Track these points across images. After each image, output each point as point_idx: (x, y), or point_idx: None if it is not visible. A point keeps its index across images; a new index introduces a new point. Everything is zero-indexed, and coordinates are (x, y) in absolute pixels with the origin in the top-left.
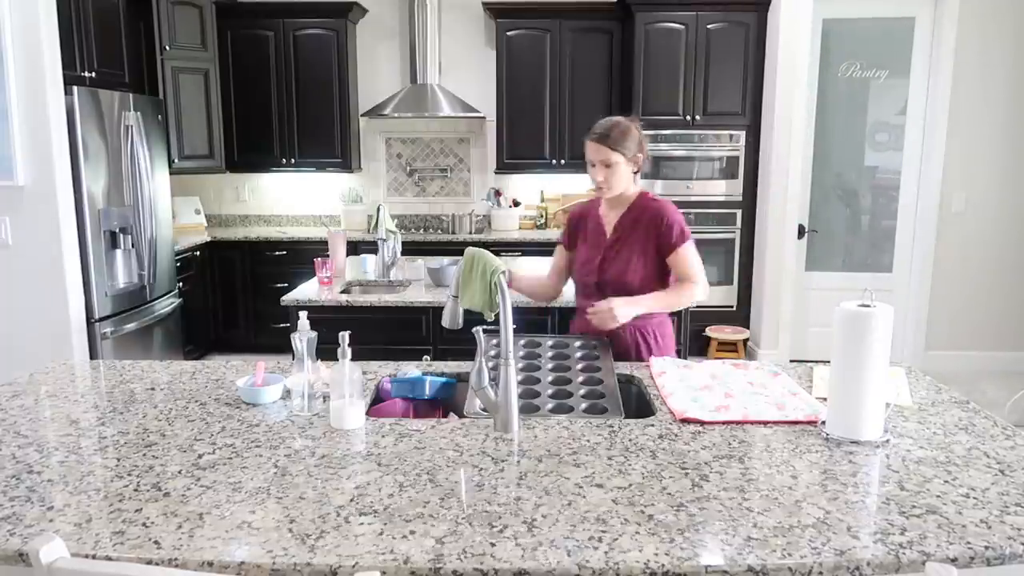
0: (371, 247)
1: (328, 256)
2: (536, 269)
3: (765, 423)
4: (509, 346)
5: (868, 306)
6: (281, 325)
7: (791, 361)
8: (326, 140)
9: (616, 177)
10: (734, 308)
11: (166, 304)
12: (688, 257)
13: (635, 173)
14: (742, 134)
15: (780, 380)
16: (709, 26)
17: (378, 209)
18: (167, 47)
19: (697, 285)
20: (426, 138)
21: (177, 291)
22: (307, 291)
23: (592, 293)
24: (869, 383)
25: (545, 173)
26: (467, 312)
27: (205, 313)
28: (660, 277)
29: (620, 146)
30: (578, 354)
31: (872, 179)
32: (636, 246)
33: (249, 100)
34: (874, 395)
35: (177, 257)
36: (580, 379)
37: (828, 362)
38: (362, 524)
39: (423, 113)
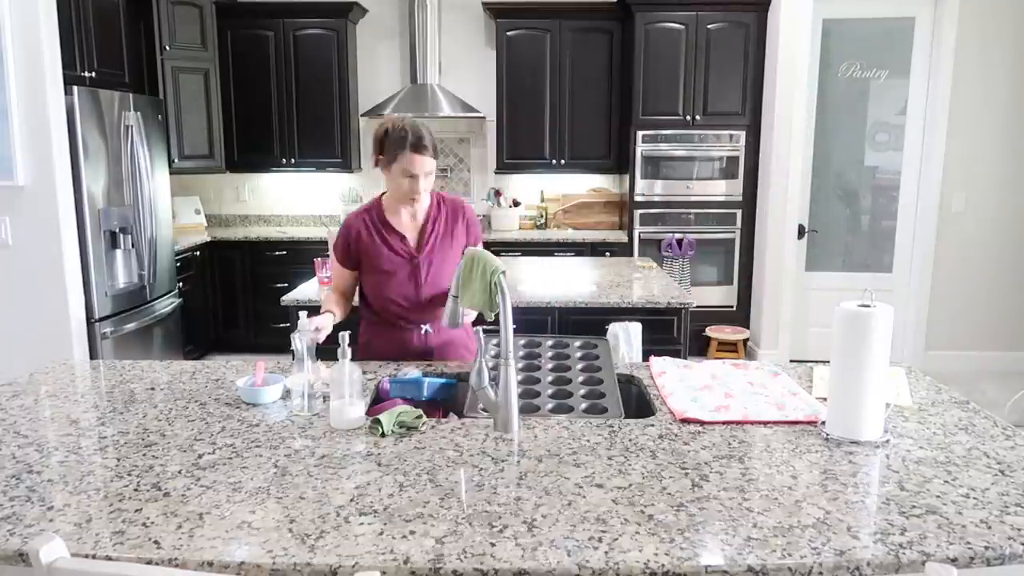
0: None
1: (328, 256)
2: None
3: (765, 423)
4: (509, 346)
5: (868, 306)
6: (281, 325)
7: (791, 361)
8: (326, 140)
9: (430, 184)
10: (734, 308)
11: (166, 304)
12: None
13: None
14: (742, 134)
15: (780, 380)
16: (709, 26)
17: None
18: (167, 47)
19: None
20: None
21: (177, 291)
22: (307, 291)
23: (414, 306)
24: (869, 383)
25: (545, 173)
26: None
27: (205, 313)
28: None
29: (437, 153)
30: (578, 354)
31: (872, 179)
32: (453, 244)
33: (249, 100)
34: (874, 395)
35: (177, 257)
36: (580, 379)
37: (828, 362)
38: (362, 524)
39: (423, 113)
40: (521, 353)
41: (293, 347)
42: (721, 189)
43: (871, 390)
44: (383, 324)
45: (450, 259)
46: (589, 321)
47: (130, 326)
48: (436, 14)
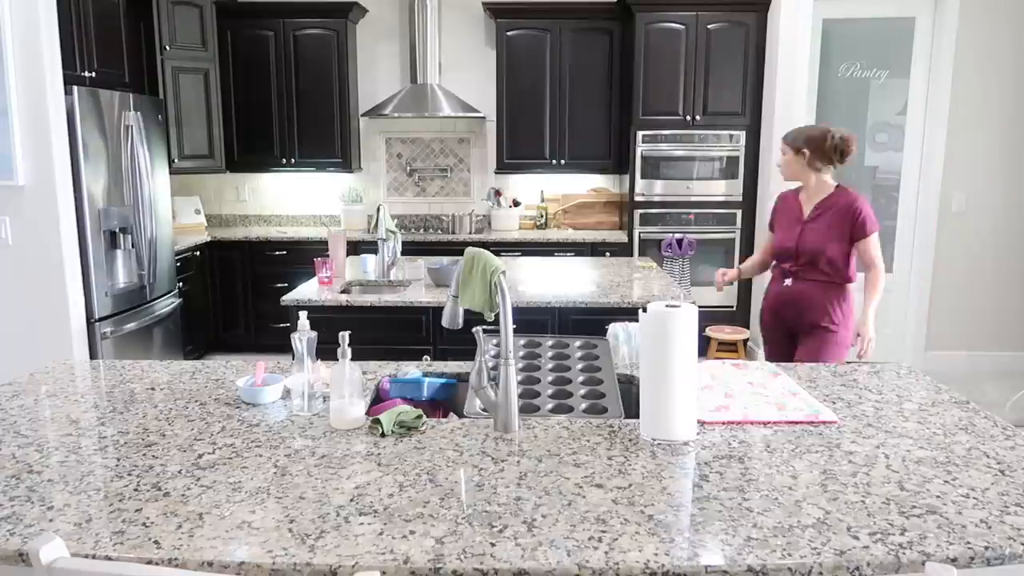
0: (371, 247)
1: (328, 256)
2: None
3: (765, 423)
4: (509, 346)
5: (676, 306)
6: (281, 325)
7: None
8: (326, 140)
9: (790, 168)
10: (734, 308)
11: (166, 304)
12: (874, 250)
13: (820, 168)
14: (742, 134)
15: (780, 380)
16: (709, 26)
17: (378, 209)
18: (167, 47)
19: (881, 271)
20: (426, 138)
21: (177, 291)
22: (307, 291)
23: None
24: (676, 383)
25: (545, 173)
26: (467, 312)
27: (205, 313)
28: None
29: (789, 141)
30: (578, 354)
31: (872, 179)
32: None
33: (249, 100)
34: (682, 394)
35: (177, 257)
36: (580, 379)
37: (828, 362)
38: (362, 524)
39: (423, 113)
40: (521, 353)
41: (293, 347)
42: (721, 189)
43: (678, 389)
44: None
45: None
46: (589, 321)
47: (130, 326)
48: (436, 14)
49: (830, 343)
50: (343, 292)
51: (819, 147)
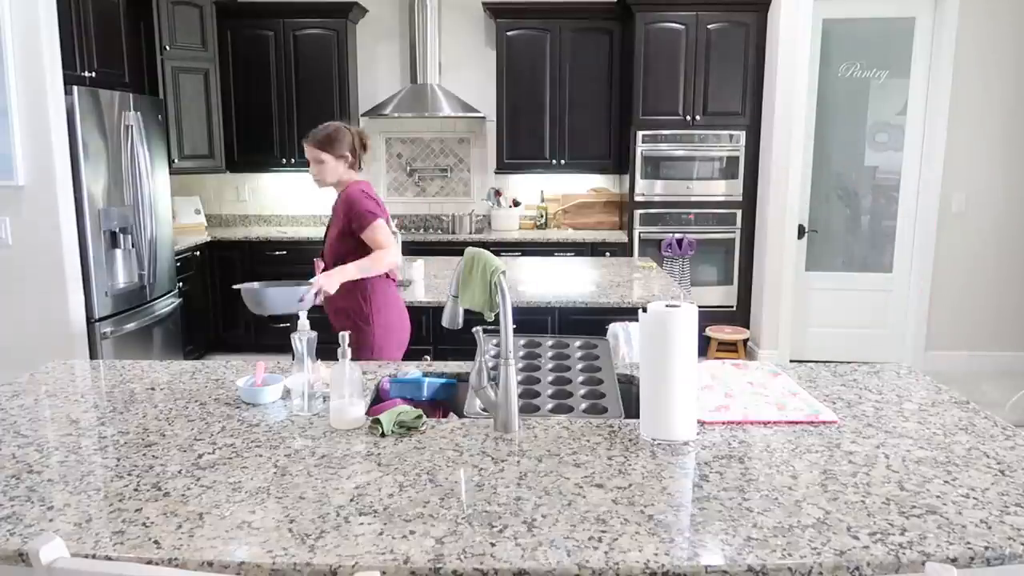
0: None
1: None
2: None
3: (765, 423)
4: (509, 346)
5: (676, 306)
6: (281, 325)
7: (791, 361)
8: None
9: (318, 169)
10: (734, 308)
11: (166, 304)
12: (378, 234)
13: (343, 165)
14: (742, 134)
15: (780, 380)
16: (709, 26)
17: None
18: (167, 47)
19: (388, 252)
20: (426, 138)
21: (177, 291)
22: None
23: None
24: (676, 382)
25: (545, 173)
26: (467, 312)
27: (205, 313)
28: (358, 251)
29: (328, 147)
30: (578, 354)
31: (872, 179)
32: (336, 227)
33: (249, 100)
34: (682, 394)
35: (177, 257)
36: (580, 379)
37: (828, 363)
38: (362, 524)
39: (423, 113)
40: (521, 353)
41: (293, 347)
42: (721, 189)
43: (678, 389)
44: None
45: (331, 238)
46: (589, 321)
47: (130, 326)
48: (436, 14)
49: (363, 344)
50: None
51: (353, 146)
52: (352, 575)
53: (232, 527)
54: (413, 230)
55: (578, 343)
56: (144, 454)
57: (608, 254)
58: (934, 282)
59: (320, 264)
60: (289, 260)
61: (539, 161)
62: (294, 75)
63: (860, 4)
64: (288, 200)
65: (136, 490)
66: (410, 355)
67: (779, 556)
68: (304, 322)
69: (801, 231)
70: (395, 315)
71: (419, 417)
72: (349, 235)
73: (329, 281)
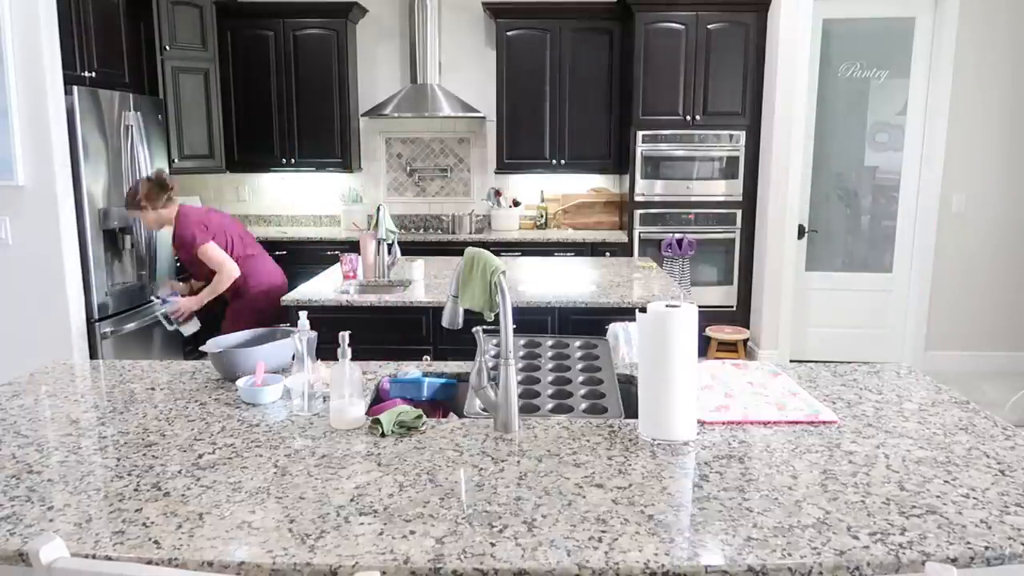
0: None
1: (349, 252)
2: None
3: (765, 423)
4: (509, 346)
5: (676, 306)
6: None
7: (791, 361)
8: (326, 140)
9: (149, 221)
10: (734, 308)
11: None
12: (208, 254)
13: (163, 208)
14: (742, 134)
15: (780, 380)
16: (709, 26)
17: (378, 209)
18: (167, 47)
19: (222, 271)
20: (426, 138)
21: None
22: (307, 291)
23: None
24: (675, 382)
25: (545, 173)
26: (467, 312)
27: (205, 313)
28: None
29: (138, 206)
30: (578, 354)
31: (872, 179)
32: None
33: (249, 100)
34: (681, 394)
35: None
36: (580, 379)
37: (828, 363)
38: (362, 524)
39: (423, 113)
40: (521, 353)
41: (293, 347)
42: (721, 189)
43: (678, 389)
44: None
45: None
46: (589, 321)
47: (130, 326)
48: (436, 14)
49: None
50: (343, 292)
51: (154, 195)
52: (352, 575)
53: (232, 527)
54: (413, 230)
55: (578, 343)
56: (144, 454)
57: (608, 254)
58: (934, 282)
59: (177, 285)
60: (289, 260)
61: (539, 161)
62: (294, 75)
63: (860, 4)
64: (288, 200)
65: (136, 490)
66: (409, 355)
67: (779, 556)
68: (304, 322)
69: (801, 231)
70: (264, 278)
71: (419, 417)
72: (196, 259)
73: (188, 308)
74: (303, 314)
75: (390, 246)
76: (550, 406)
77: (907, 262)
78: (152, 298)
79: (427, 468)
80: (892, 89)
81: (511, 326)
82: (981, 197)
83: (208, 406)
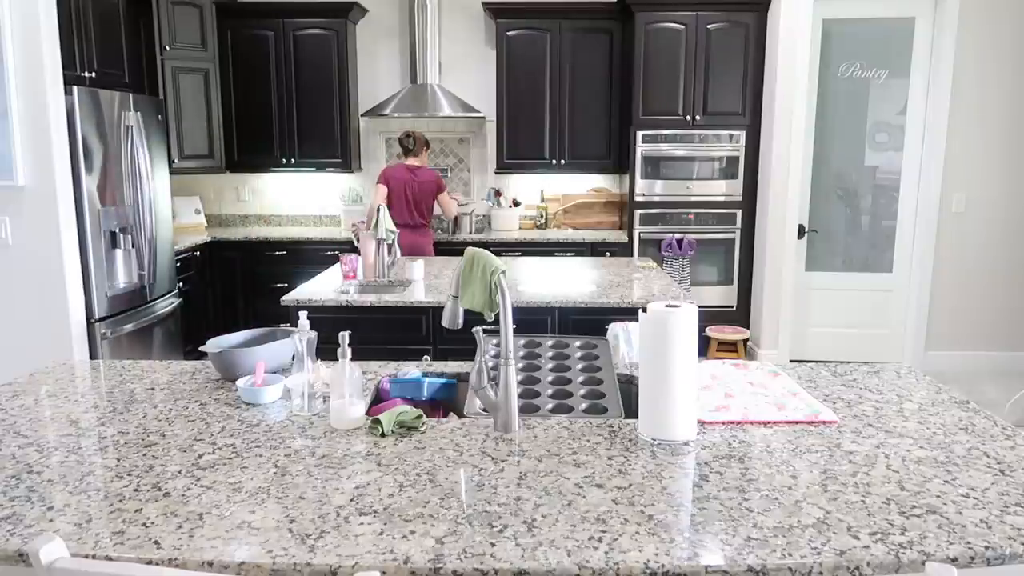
0: None
1: (349, 253)
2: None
3: (765, 423)
4: (509, 346)
5: (676, 306)
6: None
7: (791, 361)
8: (326, 140)
9: (413, 164)
10: (734, 308)
11: (166, 304)
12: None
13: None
14: (742, 134)
15: (780, 380)
16: (709, 26)
17: (378, 209)
18: (167, 47)
19: (453, 208)
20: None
21: (177, 291)
22: (307, 291)
23: None
24: (675, 383)
25: (545, 173)
26: (467, 312)
27: (205, 313)
28: None
29: (426, 145)
30: (578, 354)
31: (872, 179)
32: None
33: (249, 100)
34: (682, 394)
35: (177, 257)
36: (580, 379)
37: (828, 363)
38: (362, 524)
39: (423, 113)
40: (521, 353)
41: (294, 347)
42: (721, 189)
43: (678, 389)
44: None
45: None
46: (589, 321)
47: (130, 326)
48: (436, 14)
49: None
50: (343, 292)
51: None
52: (352, 575)
53: (232, 527)
54: None
55: (578, 343)
56: (144, 454)
57: (608, 254)
58: (934, 282)
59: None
60: (289, 260)
61: (539, 161)
62: (294, 75)
63: (860, 4)
64: (288, 200)
65: (136, 490)
66: (409, 355)
67: (779, 556)
68: (304, 322)
69: (801, 231)
70: None
71: (419, 417)
72: (431, 200)
73: None
74: (303, 314)
75: (390, 246)
76: (550, 406)
77: (907, 262)
78: None
79: (427, 468)
80: (892, 89)
81: (511, 326)
82: (981, 197)
83: (208, 406)
